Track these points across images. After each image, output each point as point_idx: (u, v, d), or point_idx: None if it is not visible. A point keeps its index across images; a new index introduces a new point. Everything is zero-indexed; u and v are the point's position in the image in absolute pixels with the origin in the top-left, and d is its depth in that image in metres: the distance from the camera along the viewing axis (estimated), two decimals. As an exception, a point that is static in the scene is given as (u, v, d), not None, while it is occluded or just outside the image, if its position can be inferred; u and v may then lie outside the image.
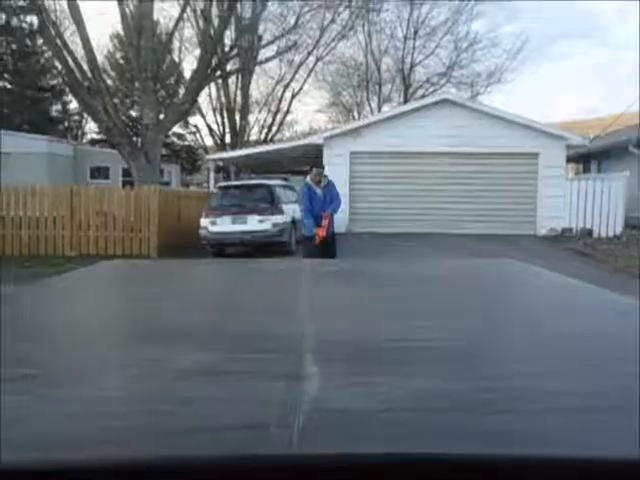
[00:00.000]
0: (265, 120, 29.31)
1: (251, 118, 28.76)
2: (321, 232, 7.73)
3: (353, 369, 1.00)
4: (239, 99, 26.87)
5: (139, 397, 0.87)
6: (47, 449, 0.69)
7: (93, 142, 33.28)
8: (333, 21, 25.74)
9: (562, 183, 15.58)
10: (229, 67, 22.84)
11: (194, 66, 17.06)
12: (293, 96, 28.99)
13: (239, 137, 26.53)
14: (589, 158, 22.68)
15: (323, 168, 8.40)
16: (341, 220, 16.45)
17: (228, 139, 27.40)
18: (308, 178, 8.14)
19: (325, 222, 7.78)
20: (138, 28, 15.01)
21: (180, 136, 35.74)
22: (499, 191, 15.57)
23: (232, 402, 0.84)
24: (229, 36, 21.74)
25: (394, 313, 1.48)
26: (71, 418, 0.79)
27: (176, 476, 0.66)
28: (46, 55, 28.98)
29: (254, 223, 12.01)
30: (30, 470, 0.64)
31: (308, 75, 28.79)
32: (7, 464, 0.63)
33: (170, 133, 26.10)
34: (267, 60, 25.50)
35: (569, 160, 19.15)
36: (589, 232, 15.18)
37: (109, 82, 24.37)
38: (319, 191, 7.97)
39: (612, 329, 1.34)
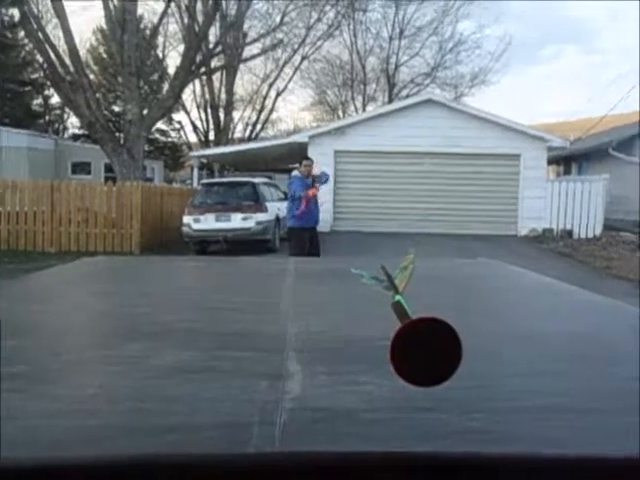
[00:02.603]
0: (249, 118, 29.27)
1: (235, 115, 28.68)
2: (312, 192, 7.69)
3: (335, 367, 1.00)
4: (223, 96, 26.74)
5: (117, 395, 0.86)
6: (29, 448, 0.68)
7: (75, 137, 32.92)
8: (319, 20, 25.75)
9: (543, 184, 15.75)
10: (214, 64, 22.76)
11: (178, 62, 16.98)
12: (278, 94, 28.96)
13: (223, 134, 26.40)
14: (570, 160, 22.97)
15: (312, 160, 8.28)
16: (325, 219, 16.44)
17: (212, 136, 27.27)
18: (296, 171, 8.06)
19: (314, 189, 7.79)
20: (122, 23, 14.87)
21: (164, 132, 35.49)
22: (481, 191, 15.70)
23: (213, 400, 0.83)
24: (214, 33, 21.67)
25: (370, 312, 1.47)
26: (54, 416, 0.78)
27: (162, 474, 0.65)
28: (27, 48, 28.57)
29: (238, 221, 11.97)
30: (11, 470, 0.64)
31: (293, 73, 28.78)
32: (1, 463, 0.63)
33: (153, 129, 25.87)
34: (252, 57, 25.45)
35: (550, 162, 19.38)
36: (569, 233, 15.37)
37: (92, 77, 24.12)
38: (309, 183, 7.92)
39: (588, 329, 1.35)
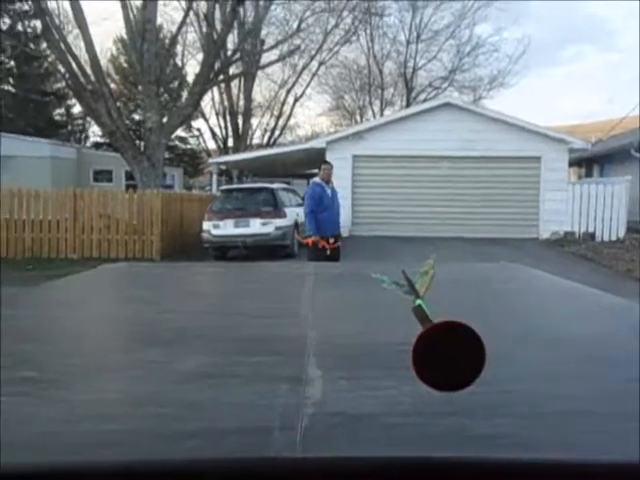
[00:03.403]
0: (268, 124, 29.40)
1: (254, 122, 28.85)
2: (325, 244, 7.20)
3: (355, 372, 0.99)
4: (242, 103, 26.91)
5: (140, 400, 0.87)
6: (48, 452, 0.69)
7: (96, 145, 33.36)
8: (336, 25, 25.80)
9: (564, 187, 15.57)
10: (232, 71, 22.91)
11: (197, 70, 17.13)
12: (296, 100, 29.07)
13: (242, 140, 26.56)
14: (591, 162, 22.68)
15: (331, 165, 7.86)
16: (344, 223, 16.36)
17: (231, 142, 27.43)
18: (317, 178, 7.67)
19: (332, 241, 7.27)
20: (141, 32, 15.06)
21: (183, 139, 35.80)
22: (501, 195, 15.56)
23: (233, 405, 0.84)
24: (232, 40, 21.83)
25: (390, 317, 1.45)
26: (72, 421, 0.78)
27: (180, 479, 0.66)
28: (50, 59, 29.04)
29: (257, 226, 12.01)
30: (29, 473, 0.64)
31: (311, 79, 28.87)
32: (6, 467, 0.63)
33: (173, 136, 26.12)
34: (270, 64, 25.53)
35: (572, 164, 19.15)
36: (592, 236, 15.15)
37: (112, 86, 24.41)
38: (329, 191, 7.47)
39: (610, 332, 1.34)
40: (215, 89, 25.52)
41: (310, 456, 0.68)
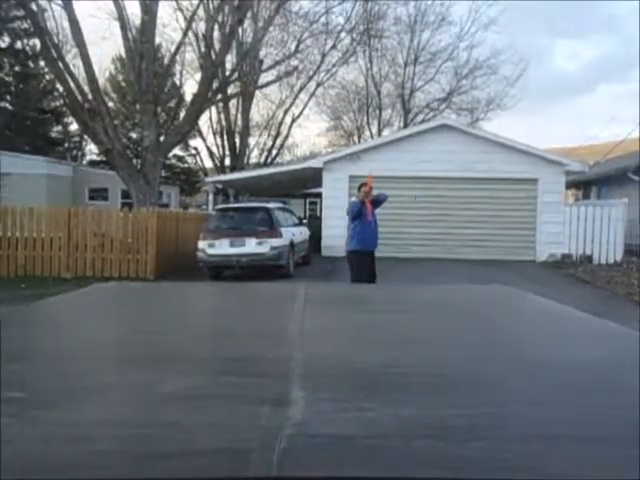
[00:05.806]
0: (265, 143, 29.48)
1: (251, 141, 28.92)
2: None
3: (338, 394, 0.99)
4: (239, 122, 27.01)
5: (123, 421, 0.87)
6: (35, 472, 0.68)
7: (93, 163, 33.43)
8: (334, 47, 26.02)
9: (561, 209, 15.58)
10: (230, 91, 23.03)
11: (195, 89, 17.19)
12: (293, 120, 29.18)
13: (239, 160, 26.60)
14: (589, 184, 22.75)
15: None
16: (339, 245, 16.33)
17: (228, 162, 27.47)
18: (354, 198, 8.29)
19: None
20: (140, 52, 15.12)
21: (180, 158, 35.91)
22: (498, 216, 15.55)
23: (214, 426, 0.83)
24: (230, 60, 21.97)
25: (376, 338, 1.48)
26: (59, 441, 0.79)
27: None
28: (48, 77, 29.19)
29: (252, 246, 11.94)
30: None
31: (309, 99, 29.03)
32: None
33: (170, 155, 26.16)
34: (268, 84, 25.69)
35: (569, 186, 19.21)
36: (589, 258, 15.12)
37: (110, 104, 24.51)
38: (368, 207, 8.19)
39: (594, 357, 1.33)
40: (213, 108, 25.61)
41: (286, 476, 0.68)
